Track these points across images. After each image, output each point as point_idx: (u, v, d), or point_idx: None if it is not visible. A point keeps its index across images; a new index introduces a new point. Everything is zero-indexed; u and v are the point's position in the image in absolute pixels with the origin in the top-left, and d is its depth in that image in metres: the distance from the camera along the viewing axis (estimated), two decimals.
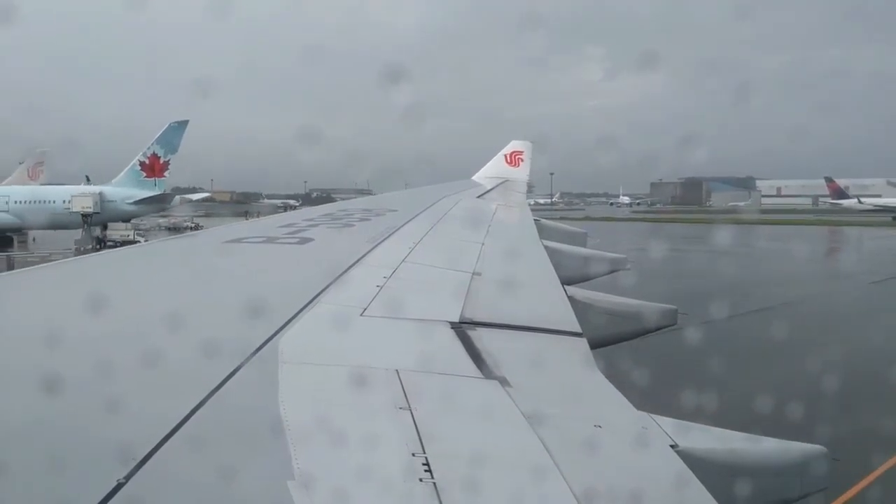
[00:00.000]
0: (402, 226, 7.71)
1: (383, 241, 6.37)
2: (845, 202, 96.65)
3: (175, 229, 63.84)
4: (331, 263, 5.00)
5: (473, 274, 5.20)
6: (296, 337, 3.18)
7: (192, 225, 69.20)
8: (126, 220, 57.93)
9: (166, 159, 57.29)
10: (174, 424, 2.12)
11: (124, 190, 57.07)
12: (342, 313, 3.73)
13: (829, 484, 2.93)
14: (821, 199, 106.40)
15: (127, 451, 1.92)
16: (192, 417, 2.21)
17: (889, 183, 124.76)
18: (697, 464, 2.45)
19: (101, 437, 2.06)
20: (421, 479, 2.02)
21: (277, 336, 3.12)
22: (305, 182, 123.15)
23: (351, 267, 4.98)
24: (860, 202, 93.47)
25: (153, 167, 57.38)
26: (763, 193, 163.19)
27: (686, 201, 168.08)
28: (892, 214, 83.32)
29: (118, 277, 5.04)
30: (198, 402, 2.31)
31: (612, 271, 8.79)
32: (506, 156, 21.61)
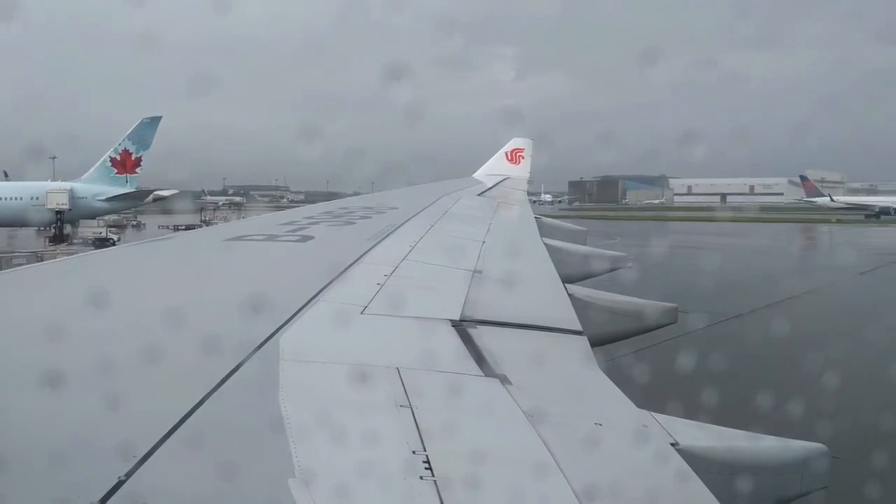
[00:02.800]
0: (403, 223, 7.70)
1: (384, 238, 6.37)
2: (819, 200, 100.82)
3: (117, 227, 61.93)
4: (332, 261, 4.99)
5: (474, 272, 5.19)
6: (297, 335, 3.18)
7: (136, 223, 69.04)
8: (95, 217, 55.29)
9: (138, 155, 55.33)
10: (175, 422, 2.12)
11: (95, 186, 54.99)
12: (343, 311, 3.73)
13: (829, 482, 2.93)
14: (796, 198, 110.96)
15: (128, 448, 1.92)
16: (193, 415, 2.21)
17: (790, 182, 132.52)
18: (698, 462, 2.45)
19: (103, 435, 2.06)
20: (421, 477, 2.02)
21: (278, 334, 3.12)
22: (224, 179, 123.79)
23: (352, 265, 4.98)
24: (832, 200, 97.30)
25: (125, 163, 55.45)
26: (675, 192, 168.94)
27: (603, 199, 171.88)
28: (864, 212, 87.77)
29: (120, 274, 5.04)
30: (199, 399, 2.31)
31: (613, 269, 8.80)
32: (507, 153, 21.59)
